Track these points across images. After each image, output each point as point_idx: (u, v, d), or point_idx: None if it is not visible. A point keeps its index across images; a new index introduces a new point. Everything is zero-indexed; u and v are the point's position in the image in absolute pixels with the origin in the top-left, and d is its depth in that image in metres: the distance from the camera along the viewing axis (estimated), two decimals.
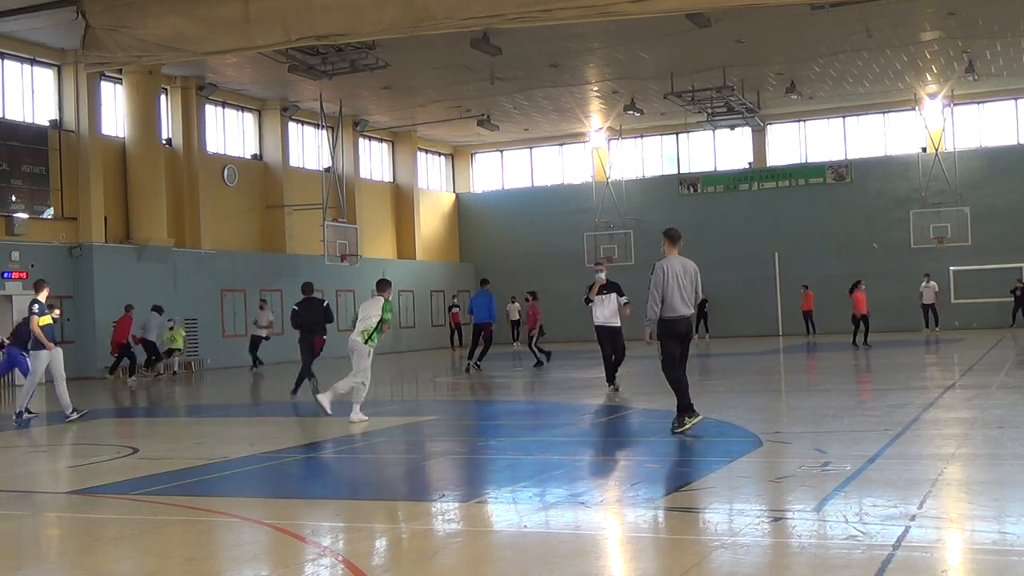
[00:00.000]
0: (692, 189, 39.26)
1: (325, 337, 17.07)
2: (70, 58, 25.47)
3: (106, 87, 27.28)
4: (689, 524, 6.39)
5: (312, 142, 34.99)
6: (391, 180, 39.47)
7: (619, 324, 15.96)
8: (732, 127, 37.00)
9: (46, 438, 13.25)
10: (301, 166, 34.42)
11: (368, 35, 18.18)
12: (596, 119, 37.54)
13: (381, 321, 12.65)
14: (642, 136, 39.87)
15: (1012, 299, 33.86)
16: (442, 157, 42.79)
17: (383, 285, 13.17)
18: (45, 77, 26.23)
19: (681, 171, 39.87)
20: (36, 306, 14.35)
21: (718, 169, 39.46)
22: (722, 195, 38.83)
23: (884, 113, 37.14)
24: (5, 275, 24.05)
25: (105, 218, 26.45)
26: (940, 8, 25.54)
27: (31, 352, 14.41)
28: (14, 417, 14.40)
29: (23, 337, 15.17)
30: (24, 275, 24.42)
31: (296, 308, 17.19)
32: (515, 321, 35.48)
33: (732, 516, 6.58)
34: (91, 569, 5.92)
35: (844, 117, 37.66)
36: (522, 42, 25.33)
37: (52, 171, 25.61)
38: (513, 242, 41.23)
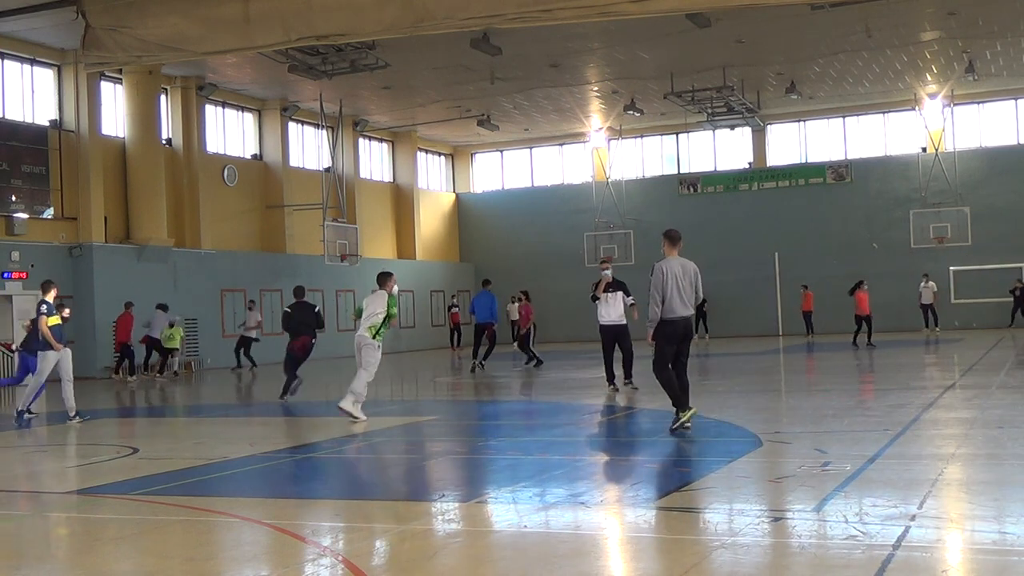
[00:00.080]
0: (692, 189, 39.27)
1: (314, 341, 17.00)
2: (70, 58, 25.48)
3: (106, 87, 27.29)
4: (689, 524, 6.39)
5: (312, 142, 34.99)
6: (391, 180, 39.47)
7: (625, 323, 15.89)
8: (732, 127, 37.00)
9: (46, 438, 13.24)
10: (301, 166, 34.43)
11: (368, 35, 18.18)
12: (596, 119, 37.54)
13: (387, 316, 12.51)
14: (642, 136, 39.87)
15: (1012, 299, 33.87)
16: (442, 157, 42.79)
17: (384, 278, 12.83)
18: (45, 77, 26.24)
19: (681, 171, 39.87)
20: (44, 307, 14.33)
21: (718, 169, 39.47)
22: (722, 195, 38.83)
23: (884, 113, 37.14)
24: (5, 275, 24.06)
25: (105, 218, 26.46)
26: (940, 8, 25.55)
27: (39, 353, 14.39)
28: (15, 416, 14.40)
29: (33, 342, 15.18)
30: (24, 275, 24.43)
31: (288, 311, 17.24)
32: (515, 321, 35.46)
33: (732, 516, 6.58)
34: (91, 569, 5.91)
35: (844, 117, 37.66)
36: (522, 42, 25.33)
37: (52, 171, 25.62)
38: (513, 242, 41.24)
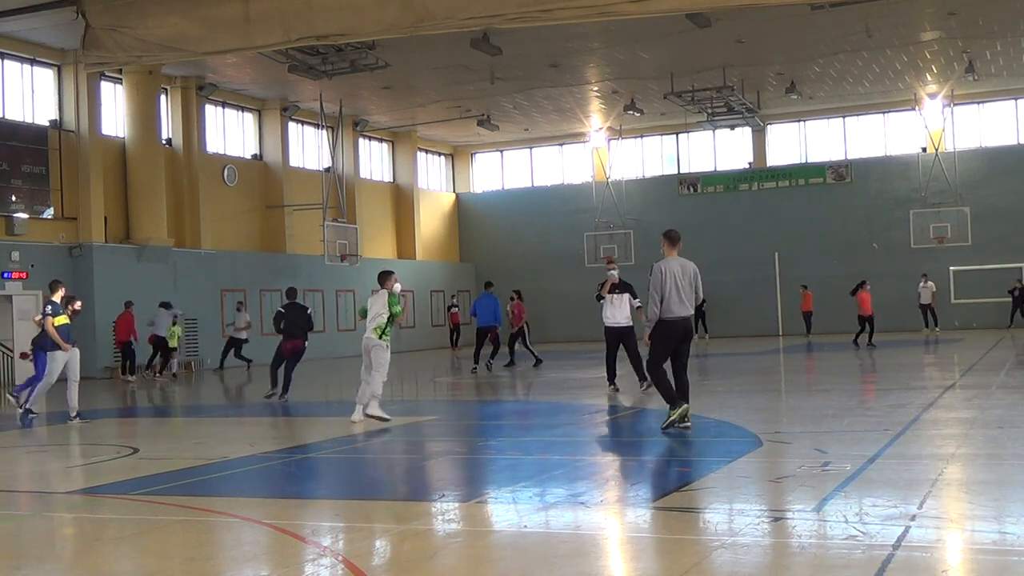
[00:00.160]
0: (692, 189, 39.26)
1: (306, 343, 17.11)
2: (70, 58, 25.47)
3: (106, 87, 27.29)
4: (689, 524, 6.39)
5: (312, 142, 34.99)
6: (391, 180, 39.47)
7: (631, 325, 15.83)
8: (732, 127, 36.99)
9: (46, 438, 13.25)
10: (301, 166, 34.43)
11: (368, 35, 18.18)
12: (596, 119, 37.54)
13: (390, 316, 12.44)
14: (642, 136, 39.86)
15: (1010, 300, 33.88)
16: (442, 157, 42.79)
17: (384, 277, 12.71)
18: (45, 77, 26.24)
19: (681, 171, 39.86)
20: (50, 307, 14.32)
21: (718, 169, 39.46)
22: (722, 195, 38.83)
23: (884, 113, 37.13)
24: (5, 275, 24.06)
25: (105, 218, 26.46)
26: (940, 8, 25.54)
27: (48, 353, 14.37)
28: (21, 414, 14.38)
29: (50, 341, 15.17)
30: (24, 275, 24.43)
31: (281, 311, 17.29)
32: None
33: (732, 516, 6.58)
34: (91, 569, 5.92)
35: (844, 117, 37.66)
36: (522, 42, 25.33)
37: (52, 171, 25.61)
38: (513, 242, 41.23)
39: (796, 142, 38.73)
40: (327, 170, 32.63)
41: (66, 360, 14.33)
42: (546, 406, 14.96)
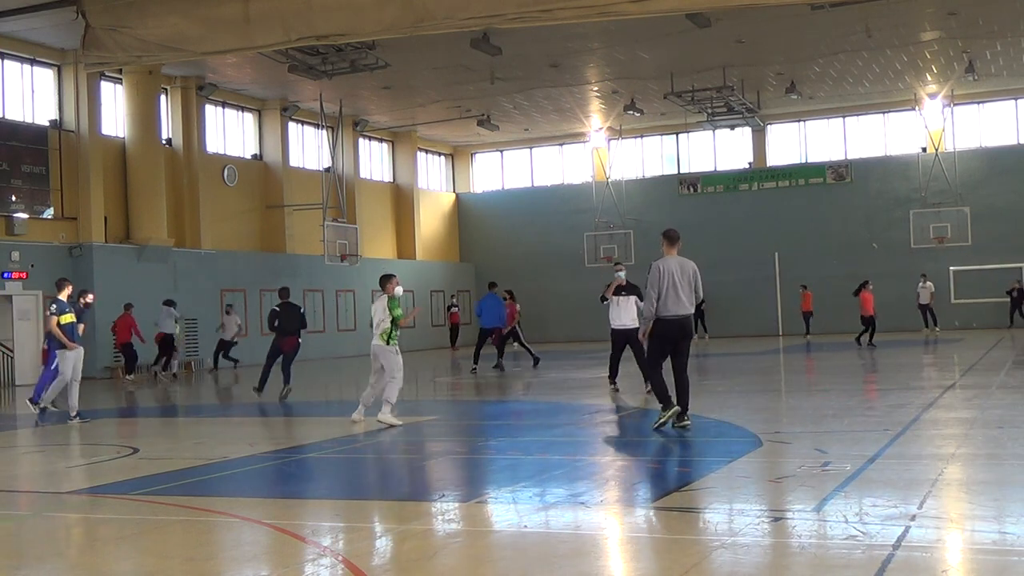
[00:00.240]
0: (692, 189, 39.26)
1: (300, 340, 17.39)
2: (70, 58, 25.47)
3: (106, 87, 27.29)
4: (689, 524, 6.39)
5: (312, 142, 34.99)
6: (391, 180, 39.47)
7: (637, 327, 15.75)
8: (732, 127, 37.00)
9: (46, 438, 13.25)
10: (301, 166, 34.42)
11: (368, 35, 18.18)
12: (596, 119, 37.54)
13: (392, 319, 12.39)
14: (642, 136, 39.86)
15: (1008, 300, 33.90)
16: (442, 157, 42.79)
17: (384, 281, 12.68)
18: (45, 77, 26.23)
19: (681, 171, 39.86)
20: (55, 306, 14.29)
21: (718, 169, 39.46)
22: (722, 195, 38.83)
23: (884, 113, 37.13)
24: (5, 275, 24.05)
25: (105, 218, 26.46)
26: (940, 8, 25.54)
27: (56, 352, 14.35)
28: (38, 413, 14.33)
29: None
30: (24, 275, 24.43)
31: (275, 309, 17.52)
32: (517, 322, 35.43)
33: (732, 516, 6.58)
34: (91, 569, 5.92)
35: (844, 117, 37.66)
36: (522, 42, 25.33)
37: (52, 171, 25.61)
38: (513, 242, 41.23)
39: (796, 142, 38.73)
40: (327, 170, 32.63)
41: (75, 358, 14.32)
42: (546, 406, 14.96)
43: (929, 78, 32.93)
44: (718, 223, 37.56)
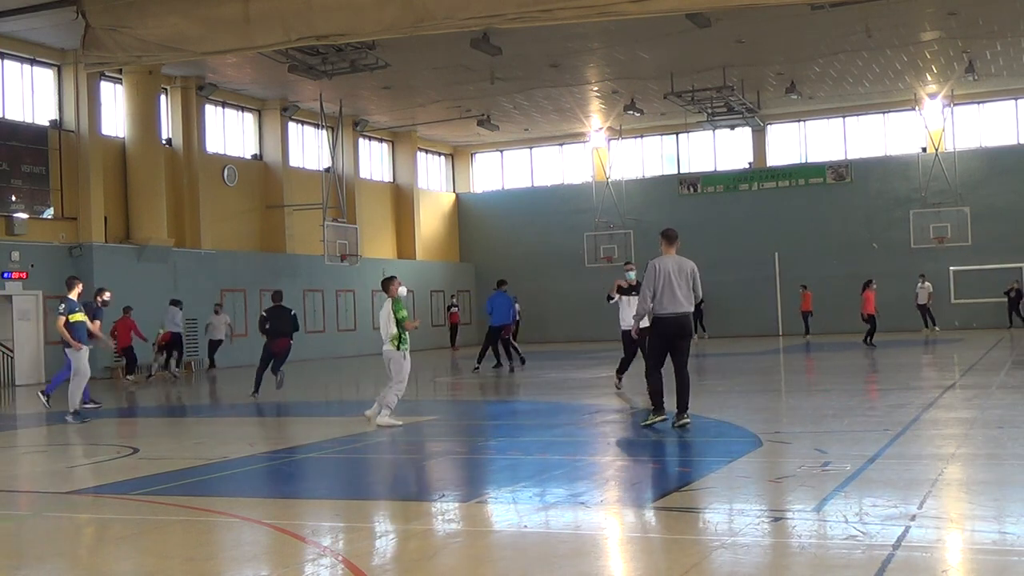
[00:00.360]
0: (692, 189, 39.27)
1: (291, 342, 17.65)
2: (70, 58, 25.47)
3: (106, 87, 27.29)
4: (689, 524, 6.39)
5: (312, 142, 34.99)
6: (391, 180, 39.47)
7: (647, 327, 15.71)
8: (732, 127, 37.00)
9: (46, 438, 13.25)
10: (301, 166, 34.42)
11: (368, 35, 18.18)
12: (596, 119, 37.54)
13: (399, 323, 12.37)
14: (642, 136, 39.86)
15: (1006, 300, 33.90)
16: (442, 157, 42.79)
17: (387, 284, 12.68)
18: (45, 77, 26.23)
19: (681, 171, 39.86)
20: (64, 305, 14.28)
21: (718, 169, 39.46)
22: (722, 195, 38.83)
23: (884, 113, 37.13)
24: (5, 275, 24.05)
25: (105, 218, 26.46)
26: (940, 8, 25.54)
27: (66, 351, 14.31)
28: (71, 415, 14.31)
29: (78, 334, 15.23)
30: (24, 275, 24.43)
31: (264, 314, 17.94)
32: (516, 321, 35.44)
33: (732, 516, 6.58)
34: (91, 569, 5.92)
35: (844, 117, 37.66)
36: (522, 42, 25.33)
37: (52, 171, 25.61)
38: (513, 242, 41.24)
39: (796, 142, 38.73)
40: (327, 170, 32.63)
41: (87, 356, 14.32)
42: (546, 406, 14.96)
43: (929, 78, 32.93)
44: (718, 223, 37.56)
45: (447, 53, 26.55)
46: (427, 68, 28.77)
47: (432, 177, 42.10)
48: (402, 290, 12.66)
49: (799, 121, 38.25)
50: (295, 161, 34.13)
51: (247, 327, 29.05)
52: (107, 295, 16.68)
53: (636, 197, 39.08)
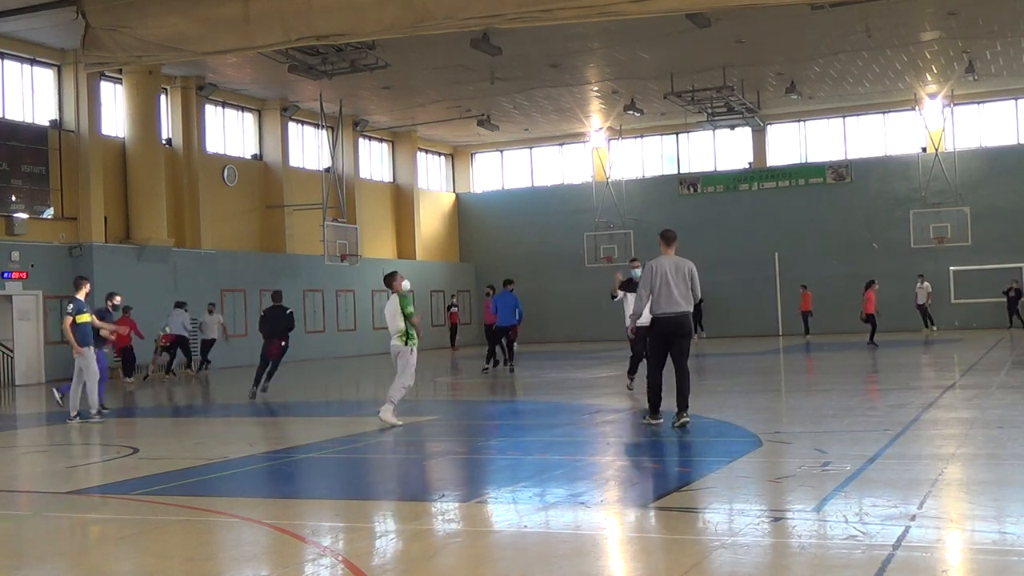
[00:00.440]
0: (692, 189, 39.26)
1: (284, 344, 17.81)
2: (70, 58, 25.47)
3: (106, 87, 27.29)
4: (689, 524, 6.39)
5: (312, 142, 34.99)
6: (391, 180, 39.47)
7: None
8: (732, 127, 36.99)
9: (46, 438, 13.25)
10: (301, 166, 34.42)
11: (368, 35, 18.18)
12: (596, 119, 37.54)
13: (407, 318, 12.34)
14: (642, 136, 39.86)
15: (1005, 300, 33.89)
16: (442, 157, 42.79)
17: (389, 279, 12.65)
18: (45, 77, 26.23)
19: (681, 171, 39.86)
20: (71, 305, 14.26)
21: (718, 169, 39.46)
22: (722, 195, 38.83)
23: (884, 113, 37.13)
24: (5, 275, 24.05)
25: (105, 218, 26.46)
26: (940, 8, 25.54)
27: (75, 351, 14.28)
28: (96, 414, 14.32)
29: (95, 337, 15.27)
30: (24, 275, 24.43)
31: (263, 315, 18.37)
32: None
33: (732, 516, 6.58)
34: (91, 569, 5.92)
35: (844, 117, 37.65)
36: (522, 42, 25.33)
37: (52, 171, 25.61)
38: (513, 242, 41.23)
39: (796, 142, 38.73)
40: (327, 170, 32.63)
41: (94, 357, 14.31)
42: (546, 406, 14.96)
43: (929, 78, 32.93)
44: (718, 223, 37.56)
45: (447, 53, 26.55)
46: (427, 68, 28.77)
47: (432, 177, 42.10)
48: (406, 284, 12.65)
49: (799, 121, 38.25)
50: (295, 161, 34.13)
51: (247, 327, 29.06)
52: (118, 299, 16.70)
53: (636, 197, 39.08)
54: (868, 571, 5.00)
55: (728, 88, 30.92)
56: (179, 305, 24.55)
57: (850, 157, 37.69)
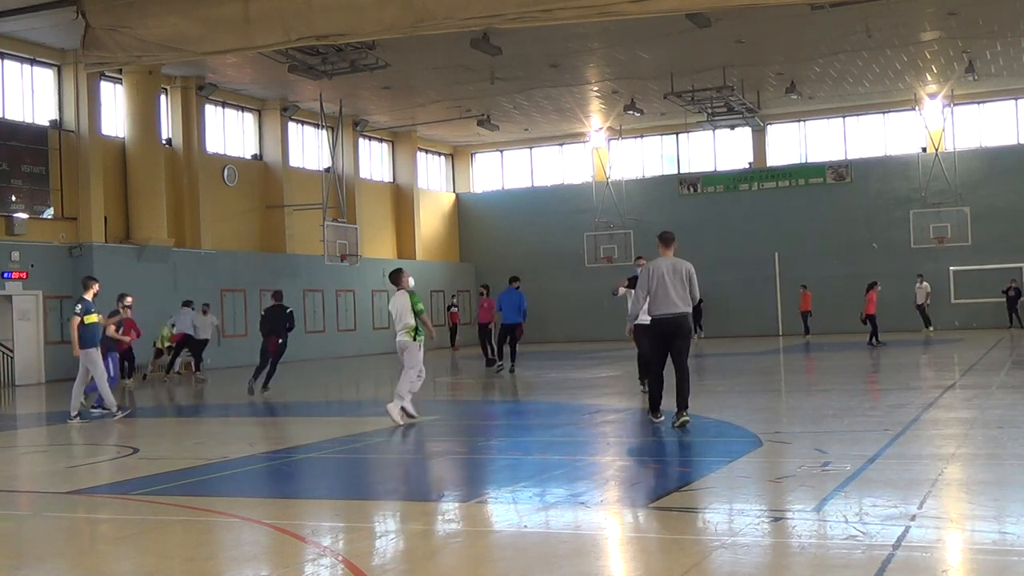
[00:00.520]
0: (692, 189, 39.26)
1: (281, 341, 18.18)
2: (70, 58, 25.47)
3: (106, 87, 27.29)
4: (689, 524, 6.39)
5: (312, 142, 35.00)
6: (391, 180, 39.47)
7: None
8: (732, 127, 37.00)
9: (46, 438, 13.25)
10: (301, 166, 34.43)
11: (368, 35, 18.17)
12: (596, 119, 37.54)
13: (417, 316, 12.32)
14: (642, 136, 39.86)
15: (1004, 299, 33.90)
16: (442, 157, 42.80)
17: (396, 276, 12.63)
18: (45, 77, 26.23)
19: (681, 171, 39.86)
20: (79, 306, 14.27)
21: (718, 169, 39.46)
22: (722, 195, 38.83)
23: (884, 113, 37.13)
24: (5, 275, 24.05)
25: (105, 218, 26.46)
26: (940, 8, 25.54)
27: (82, 351, 14.28)
28: (112, 413, 14.31)
29: (106, 341, 15.29)
30: (24, 275, 24.43)
31: (263, 314, 18.85)
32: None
33: (732, 516, 6.58)
34: (91, 569, 5.92)
35: (844, 117, 37.66)
36: (522, 42, 25.33)
37: (52, 171, 25.61)
38: (513, 242, 41.23)
39: (796, 142, 38.73)
40: (327, 170, 32.63)
41: (100, 357, 14.33)
42: (546, 406, 14.96)
43: (929, 78, 32.93)
44: (718, 223, 37.56)
45: (447, 53, 26.55)
46: (427, 68, 28.77)
47: (432, 177, 42.10)
48: (411, 281, 12.67)
49: (799, 121, 38.25)
50: (295, 161, 34.13)
51: (247, 327, 29.08)
52: (129, 300, 16.74)
53: (636, 197, 39.08)
54: (868, 571, 5.00)
55: (728, 88, 30.93)
56: (187, 304, 24.47)
57: (850, 157, 37.69)
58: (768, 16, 24.40)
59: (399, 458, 10.27)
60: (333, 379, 24.07)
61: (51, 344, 24.75)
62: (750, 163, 38.96)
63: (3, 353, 24.46)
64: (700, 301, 11.75)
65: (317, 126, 33.57)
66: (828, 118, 37.80)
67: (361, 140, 37.10)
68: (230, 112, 32.01)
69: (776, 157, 38.83)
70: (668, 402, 11.01)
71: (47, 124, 25.99)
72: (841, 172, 37.37)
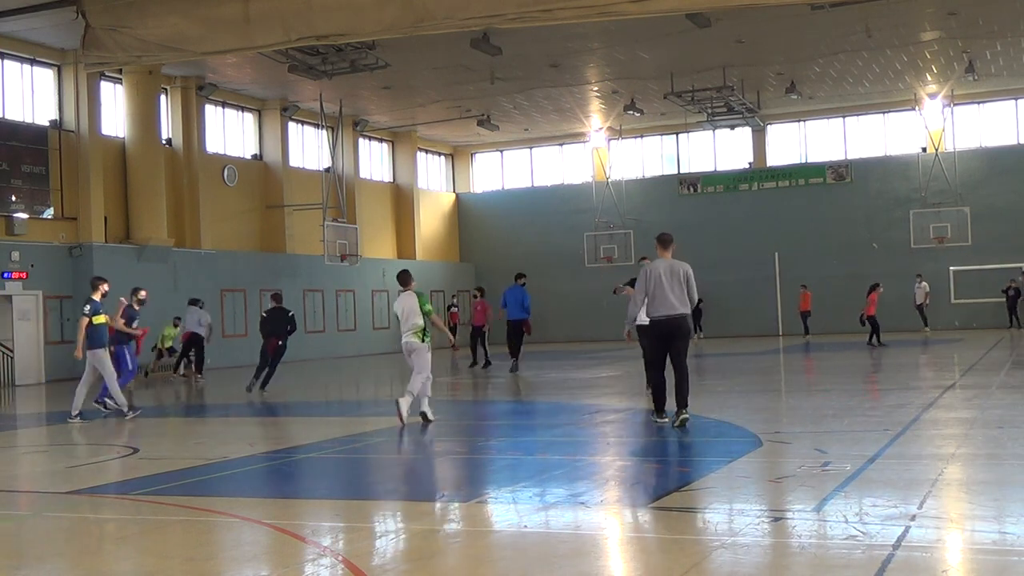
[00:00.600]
0: (692, 189, 39.26)
1: (281, 342, 18.32)
2: (70, 58, 25.48)
3: (106, 87, 27.29)
4: (689, 524, 6.39)
5: (312, 142, 35.00)
6: (391, 180, 39.47)
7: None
8: (732, 127, 37.00)
9: (47, 438, 13.25)
10: (301, 166, 34.43)
11: (368, 35, 18.18)
12: (596, 119, 37.54)
13: (426, 316, 12.30)
14: (642, 136, 39.86)
15: (1004, 299, 33.90)
16: (442, 157, 42.80)
17: (405, 277, 12.62)
18: (45, 77, 26.23)
19: (681, 171, 39.86)
20: (88, 306, 14.25)
21: (718, 169, 39.46)
22: (722, 195, 38.83)
23: (884, 113, 37.13)
24: (5, 275, 24.06)
25: (105, 218, 26.46)
26: (940, 8, 25.54)
27: (88, 352, 14.27)
28: (124, 413, 14.33)
29: (117, 335, 15.27)
30: (24, 275, 24.43)
31: (264, 316, 19.04)
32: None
33: (732, 516, 6.58)
34: (91, 569, 5.92)
35: (844, 117, 37.66)
36: (522, 42, 25.33)
37: (52, 171, 25.62)
38: (513, 242, 41.23)
39: (796, 142, 38.73)
40: (327, 170, 32.63)
41: (108, 356, 14.32)
42: (546, 406, 14.96)
43: (929, 78, 32.93)
44: (718, 223, 37.57)
45: (447, 53, 26.55)
46: (427, 68, 28.77)
47: (432, 177, 42.10)
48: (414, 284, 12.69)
49: (799, 121, 38.25)
50: (295, 161, 34.13)
51: (247, 327, 29.08)
52: (143, 294, 16.70)
53: (636, 197, 39.08)
54: (868, 571, 5.00)
55: (728, 88, 30.93)
56: (194, 302, 24.37)
57: (850, 157, 37.69)
58: (768, 16, 24.41)
59: (399, 458, 10.27)
60: (333, 379, 24.07)
61: (51, 344, 24.76)
62: (750, 163, 38.96)
63: (3, 353, 24.47)
64: (700, 302, 11.82)
65: (317, 126, 33.58)
66: (828, 118, 37.80)
67: (361, 140, 37.10)
68: (230, 112, 32.01)
69: (776, 157, 38.83)
70: (670, 403, 11.02)
71: (47, 124, 25.99)
72: (841, 172, 37.37)
